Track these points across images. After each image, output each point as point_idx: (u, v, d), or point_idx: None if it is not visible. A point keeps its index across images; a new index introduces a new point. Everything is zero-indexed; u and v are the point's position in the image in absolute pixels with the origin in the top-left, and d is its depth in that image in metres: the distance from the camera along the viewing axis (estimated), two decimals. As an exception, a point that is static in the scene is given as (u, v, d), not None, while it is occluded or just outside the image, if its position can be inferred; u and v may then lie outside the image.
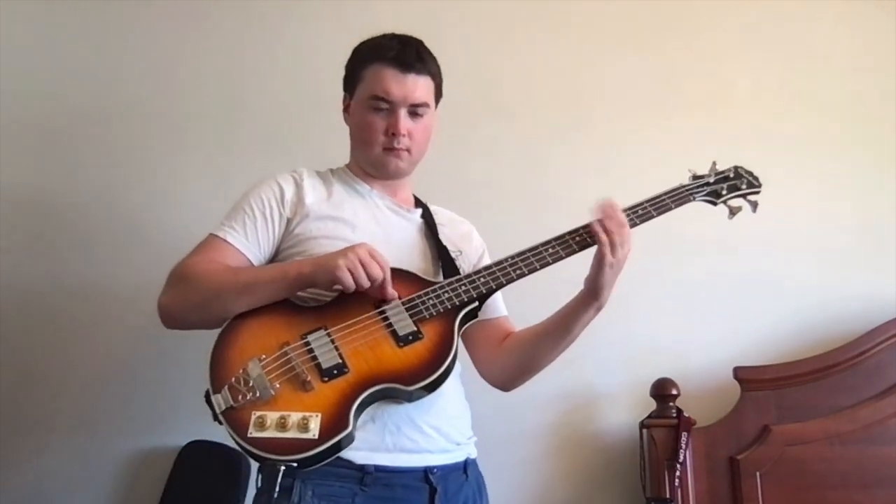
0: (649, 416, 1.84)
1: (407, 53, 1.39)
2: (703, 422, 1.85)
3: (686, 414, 1.80)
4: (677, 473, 1.76)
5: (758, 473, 1.79)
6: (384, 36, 1.43)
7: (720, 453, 1.82)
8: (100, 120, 2.11)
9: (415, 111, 1.40)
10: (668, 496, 1.75)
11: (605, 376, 1.99)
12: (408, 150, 1.41)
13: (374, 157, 1.42)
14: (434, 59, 1.44)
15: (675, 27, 2.22)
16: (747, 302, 2.03)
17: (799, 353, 1.94)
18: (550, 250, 1.33)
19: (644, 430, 1.84)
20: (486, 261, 1.52)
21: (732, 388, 1.88)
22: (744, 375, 1.88)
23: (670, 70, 2.19)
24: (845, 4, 2.22)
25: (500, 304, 1.50)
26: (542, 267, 1.32)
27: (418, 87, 1.39)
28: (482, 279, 1.31)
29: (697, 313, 2.03)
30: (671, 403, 1.82)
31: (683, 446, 1.76)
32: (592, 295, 1.32)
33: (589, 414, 1.99)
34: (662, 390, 1.83)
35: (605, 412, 1.98)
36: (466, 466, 1.37)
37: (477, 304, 1.32)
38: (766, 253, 2.06)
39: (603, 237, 1.29)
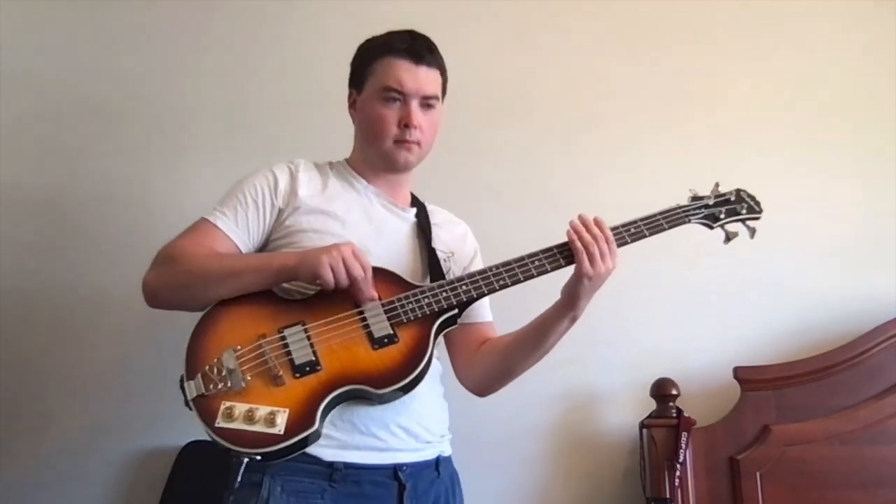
0: (649, 416, 1.84)
1: (418, 46, 1.40)
2: (703, 422, 1.85)
3: (686, 414, 1.80)
4: (677, 473, 1.76)
5: (758, 473, 1.79)
6: (393, 32, 1.43)
7: (720, 453, 1.82)
8: (103, 118, 2.10)
9: (426, 103, 1.40)
10: (668, 496, 1.75)
11: (606, 376, 1.99)
12: (418, 144, 1.41)
13: (384, 150, 1.41)
14: (441, 55, 1.45)
15: (677, 28, 2.22)
16: (747, 302, 2.03)
17: (799, 353, 1.94)
18: (536, 262, 1.31)
19: (644, 430, 1.84)
20: (478, 263, 1.52)
21: (732, 388, 1.88)
22: (744, 375, 1.87)
23: (673, 71, 2.18)
24: (845, 4, 2.22)
25: (483, 310, 1.49)
26: (526, 279, 1.31)
27: (430, 79, 1.40)
28: (464, 287, 1.30)
29: (697, 313, 2.03)
30: (671, 403, 1.82)
31: (683, 446, 1.76)
32: (568, 305, 1.31)
33: (589, 414, 1.98)
34: (662, 390, 1.83)
35: (605, 412, 1.98)
36: (438, 464, 1.37)
37: (456, 311, 1.31)
38: (766, 253, 2.04)
39: (578, 245, 1.28)
